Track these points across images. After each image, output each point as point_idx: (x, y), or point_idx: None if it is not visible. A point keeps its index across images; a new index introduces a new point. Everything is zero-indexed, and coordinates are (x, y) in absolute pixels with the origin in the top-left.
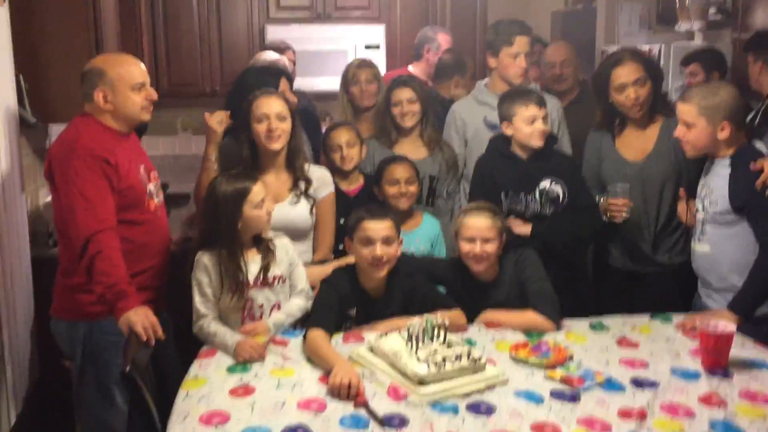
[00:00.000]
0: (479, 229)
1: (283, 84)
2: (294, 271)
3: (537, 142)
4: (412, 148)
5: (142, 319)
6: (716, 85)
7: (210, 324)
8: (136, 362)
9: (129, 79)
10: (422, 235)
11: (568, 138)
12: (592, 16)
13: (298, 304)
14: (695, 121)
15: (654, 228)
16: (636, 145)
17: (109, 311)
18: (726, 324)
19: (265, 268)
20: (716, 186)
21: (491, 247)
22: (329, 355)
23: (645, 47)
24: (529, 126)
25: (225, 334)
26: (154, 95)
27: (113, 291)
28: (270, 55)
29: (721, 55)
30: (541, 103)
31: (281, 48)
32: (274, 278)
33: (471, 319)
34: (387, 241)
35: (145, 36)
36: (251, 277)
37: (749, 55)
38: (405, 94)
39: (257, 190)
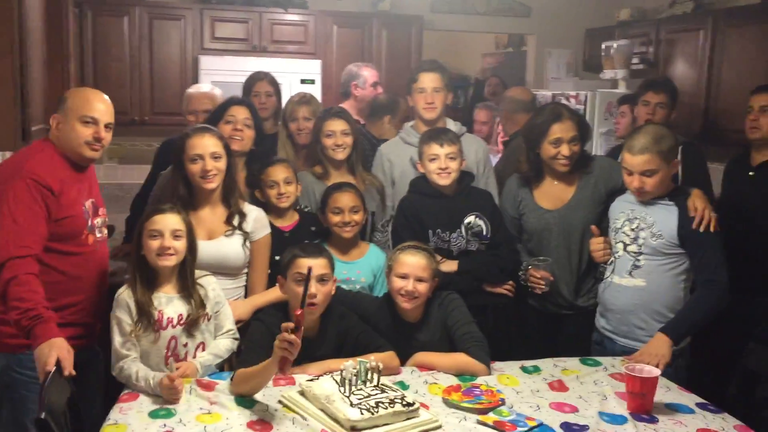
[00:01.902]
0: (414, 267)
1: (237, 112)
2: (220, 311)
3: (437, 180)
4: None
5: (58, 351)
6: (654, 128)
7: (131, 365)
8: (52, 406)
9: (80, 110)
10: (365, 266)
11: (494, 180)
12: (522, 58)
13: (225, 345)
14: (658, 167)
15: (577, 273)
16: (554, 194)
17: (28, 344)
18: (651, 368)
19: (192, 312)
20: (659, 221)
21: (423, 287)
22: (260, 365)
23: (572, 93)
24: (430, 164)
25: (147, 374)
26: (102, 135)
27: (29, 316)
28: (202, 88)
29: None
30: (444, 143)
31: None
32: (199, 317)
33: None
34: (321, 279)
35: (72, 62)
36: (174, 316)
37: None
38: (339, 125)
39: (156, 219)
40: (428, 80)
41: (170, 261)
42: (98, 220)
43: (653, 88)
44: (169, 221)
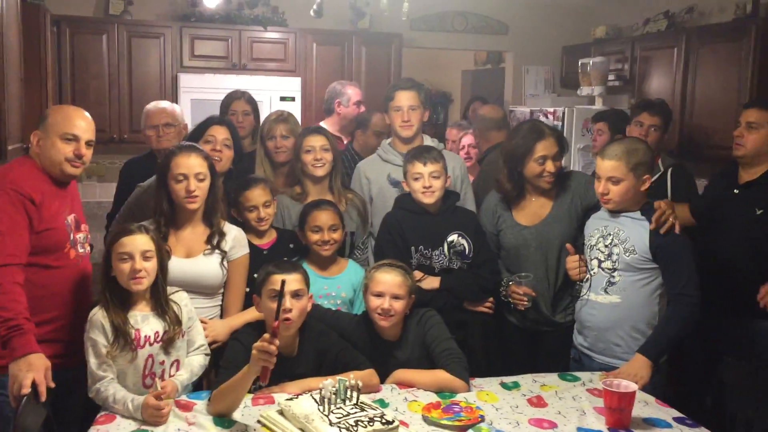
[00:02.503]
0: (389, 284)
1: (217, 131)
2: (192, 327)
3: (422, 199)
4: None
5: (35, 373)
6: (632, 140)
7: (108, 387)
8: (27, 430)
9: (60, 127)
10: (345, 281)
11: (472, 196)
12: (500, 74)
13: (199, 362)
14: (624, 177)
15: (554, 289)
16: (531, 210)
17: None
18: (628, 383)
19: (169, 330)
20: (632, 236)
21: (399, 305)
22: (237, 376)
23: (550, 109)
24: (414, 183)
25: (125, 396)
26: (83, 152)
27: (8, 326)
28: (160, 104)
29: (626, 116)
30: (428, 161)
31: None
32: (176, 334)
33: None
34: (295, 294)
35: (50, 80)
36: (151, 334)
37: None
38: (319, 141)
39: (124, 242)
40: (404, 98)
41: (143, 284)
42: (80, 236)
43: (649, 110)
44: (138, 242)
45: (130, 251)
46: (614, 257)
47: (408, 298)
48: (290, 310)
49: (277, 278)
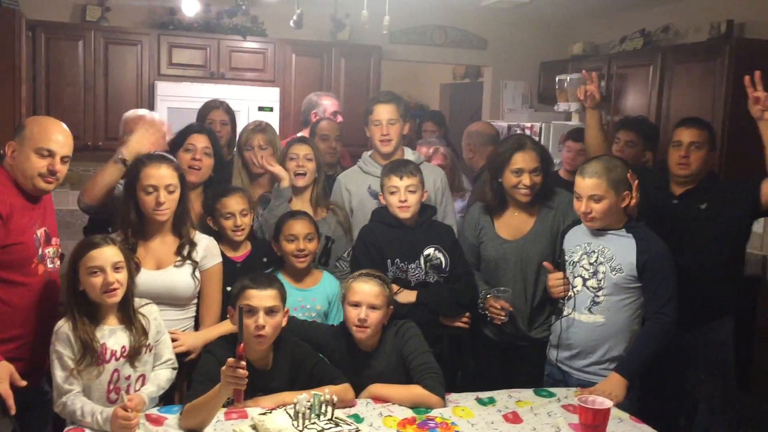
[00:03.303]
0: (366, 294)
1: (197, 140)
2: (160, 341)
3: (398, 213)
4: (304, 209)
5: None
6: (609, 158)
7: (74, 401)
8: None
9: (36, 141)
10: (320, 294)
11: (453, 208)
12: (479, 88)
13: (166, 376)
14: (605, 194)
15: (531, 304)
16: (513, 225)
17: None
18: (603, 399)
19: (134, 341)
20: (618, 254)
21: (376, 315)
22: (208, 394)
23: (527, 124)
24: (391, 197)
25: (94, 409)
26: (58, 168)
27: None
28: (138, 111)
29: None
30: (404, 175)
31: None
32: (141, 347)
33: (353, 387)
34: (270, 311)
35: (24, 85)
36: (117, 348)
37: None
38: (303, 149)
39: (94, 256)
40: (384, 112)
41: (117, 296)
42: (50, 250)
43: (625, 126)
44: (108, 255)
45: (101, 264)
46: (600, 276)
47: (385, 309)
48: (263, 327)
49: (252, 294)
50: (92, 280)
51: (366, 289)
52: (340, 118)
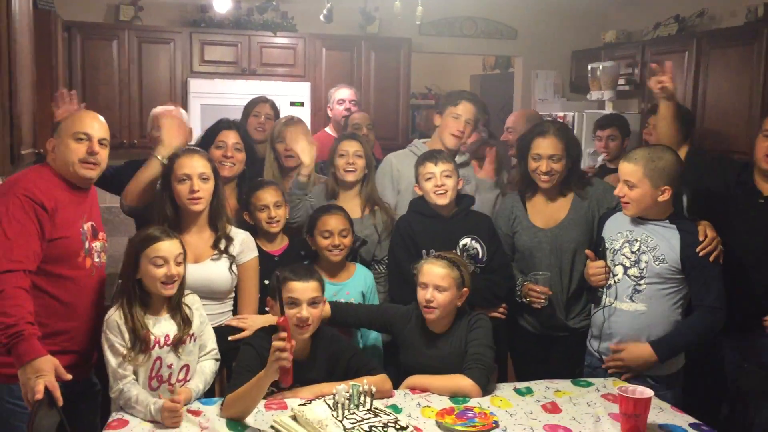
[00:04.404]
0: (432, 275)
1: (227, 137)
2: (204, 331)
3: (435, 200)
4: (349, 207)
5: (46, 378)
6: (661, 148)
7: (131, 388)
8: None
9: (72, 127)
10: (353, 287)
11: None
12: (509, 79)
13: (211, 368)
14: (639, 182)
15: (567, 293)
16: (547, 213)
17: None
18: (644, 389)
19: (179, 330)
20: (661, 244)
21: (443, 297)
22: (252, 381)
23: (560, 114)
24: (426, 183)
25: (147, 399)
26: (96, 149)
27: (9, 333)
28: (168, 107)
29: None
30: (439, 161)
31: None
32: (185, 337)
33: (416, 365)
34: (312, 302)
35: (61, 85)
36: (161, 336)
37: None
38: (353, 146)
39: (159, 247)
40: (468, 110)
41: (173, 289)
42: (97, 244)
43: (601, 126)
44: (172, 248)
45: (165, 256)
46: (642, 265)
47: (455, 290)
48: (307, 319)
49: (295, 286)
50: (155, 270)
51: (433, 270)
52: (353, 106)
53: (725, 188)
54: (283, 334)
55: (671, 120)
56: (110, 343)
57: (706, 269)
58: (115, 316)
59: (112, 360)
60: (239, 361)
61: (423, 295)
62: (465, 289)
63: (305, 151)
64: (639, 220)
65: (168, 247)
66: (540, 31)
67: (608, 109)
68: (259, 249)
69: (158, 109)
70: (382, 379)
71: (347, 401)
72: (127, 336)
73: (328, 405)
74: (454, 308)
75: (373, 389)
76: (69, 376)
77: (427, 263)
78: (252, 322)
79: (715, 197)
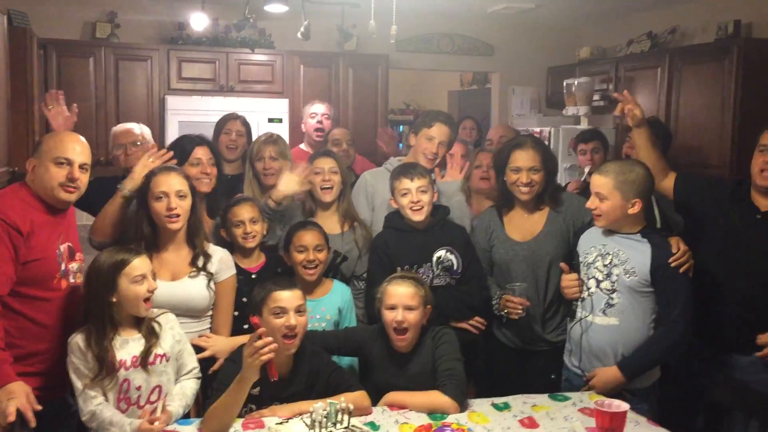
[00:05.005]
0: (401, 296)
1: (201, 152)
2: (182, 350)
3: (411, 216)
4: (329, 224)
5: (18, 401)
6: (632, 162)
7: (103, 410)
8: None
9: (53, 151)
10: (330, 304)
11: (468, 212)
12: (487, 95)
13: (192, 388)
14: (609, 194)
15: (543, 306)
16: (524, 227)
17: None
18: (620, 403)
19: (146, 349)
20: (632, 257)
21: (413, 316)
22: (231, 388)
23: (536, 129)
24: (402, 199)
25: (122, 420)
26: (76, 176)
27: None
28: (126, 125)
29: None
30: (415, 176)
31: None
32: (156, 358)
33: (385, 386)
34: (298, 310)
35: (37, 103)
36: (129, 358)
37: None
38: (328, 163)
39: (137, 265)
40: (442, 133)
41: (151, 305)
42: (74, 265)
43: (583, 140)
44: (145, 264)
45: (144, 273)
46: (613, 278)
47: (422, 309)
48: (295, 326)
49: (280, 296)
50: (137, 288)
51: (401, 291)
52: (326, 122)
53: (718, 207)
54: (261, 331)
55: (649, 147)
56: (74, 367)
57: (674, 283)
58: (77, 338)
59: (77, 383)
60: (220, 378)
61: (393, 317)
62: (429, 306)
63: (283, 180)
64: (611, 233)
65: (142, 263)
66: (516, 48)
67: (584, 125)
68: (237, 266)
69: (118, 128)
70: (360, 396)
71: (325, 419)
72: (90, 359)
73: (306, 423)
74: (419, 328)
75: (351, 407)
76: (39, 407)
77: (392, 284)
78: (215, 342)
79: (708, 218)
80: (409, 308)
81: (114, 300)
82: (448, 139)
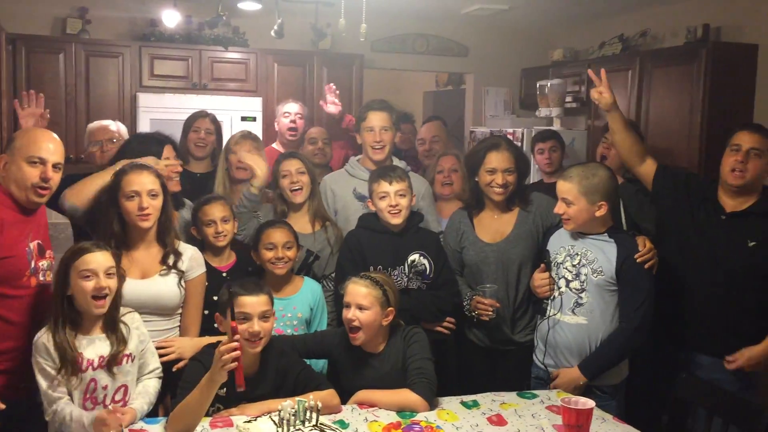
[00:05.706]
0: (354, 294)
1: (169, 151)
2: (145, 350)
3: (389, 219)
4: (300, 224)
5: None
6: (594, 165)
7: (64, 407)
8: None
9: (26, 150)
10: (300, 302)
11: (435, 217)
12: (462, 95)
13: (154, 387)
14: (575, 199)
15: (513, 306)
16: (494, 228)
17: None
18: (586, 400)
19: (112, 349)
20: (599, 257)
21: (365, 316)
22: (198, 388)
23: (510, 130)
24: (380, 202)
25: (81, 414)
26: (50, 175)
27: None
28: (102, 122)
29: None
30: (394, 180)
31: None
32: (122, 357)
33: (356, 386)
34: (263, 316)
35: (5, 99)
36: (95, 357)
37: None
38: (294, 164)
39: (88, 260)
40: (377, 119)
41: (106, 306)
42: (44, 263)
43: (540, 140)
44: (101, 260)
45: (94, 268)
46: (582, 277)
47: (378, 309)
48: (259, 333)
49: (245, 301)
50: (84, 284)
51: (355, 289)
52: (298, 121)
53: (688, 204)
54: (237, 336)
55: (623, 130)
56: (40, 366)
57: (636, 279)
58: (43, 338)
59: (42, 383)
60: (185, 377)
61: (345, 314)
62: (390, 308)
63: (258, 164)
64: (579, 234)
65: (97, 258)
66: (491, 49)
67: (556, 126)
68: (207, 264)
69: (94, 125)
70: (330, 395)
71: (293, 417)
72: (56, 358)
73: (274, 421)
74: (381, 328)
75: (320, 405)
76: (2, 406)
77: (351, 283)
78: (180, 344)
79: (677, 215)
80: (360, 307)
81: (70, 294)
82: (388, 123)
